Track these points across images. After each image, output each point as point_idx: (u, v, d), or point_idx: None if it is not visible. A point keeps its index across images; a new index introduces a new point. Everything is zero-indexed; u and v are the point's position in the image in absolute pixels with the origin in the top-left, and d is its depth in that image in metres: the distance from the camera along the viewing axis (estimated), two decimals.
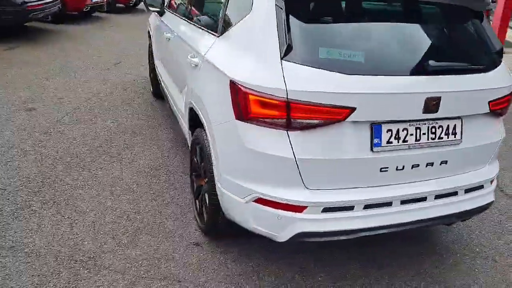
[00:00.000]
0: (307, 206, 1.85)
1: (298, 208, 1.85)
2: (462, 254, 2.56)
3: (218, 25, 2.38)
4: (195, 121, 2.62)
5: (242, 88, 1.83)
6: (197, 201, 2.67)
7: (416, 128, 1.90)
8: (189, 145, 2.80)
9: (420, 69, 1.85)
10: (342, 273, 2.34)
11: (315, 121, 1.75)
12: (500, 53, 2.11)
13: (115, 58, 6.67)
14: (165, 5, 3.90)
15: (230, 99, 1.92)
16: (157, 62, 4.24)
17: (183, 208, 2.84)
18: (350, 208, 1.89)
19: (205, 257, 2.40)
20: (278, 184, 1.87)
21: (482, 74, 1.99)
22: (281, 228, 1.90)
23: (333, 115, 1.74)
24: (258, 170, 1.89)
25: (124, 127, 4.06)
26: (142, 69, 6.05)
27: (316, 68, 1.74)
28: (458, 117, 1.96)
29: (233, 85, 1.90)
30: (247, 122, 1.86)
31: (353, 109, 1.74)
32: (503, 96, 2.05)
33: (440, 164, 2.01)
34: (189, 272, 2.27)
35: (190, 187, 2.84)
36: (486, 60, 2.05)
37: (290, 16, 1.81)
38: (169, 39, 3.30)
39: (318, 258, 2.44)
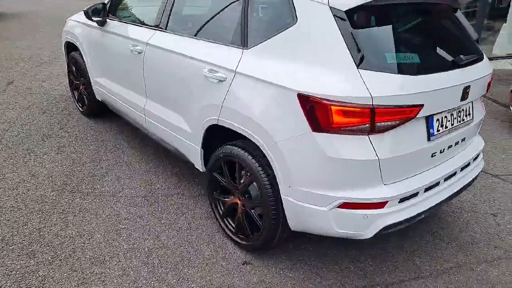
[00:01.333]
0: (387, 201, 1.99)
1: (381, 205, 1.98)
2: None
3: (241, 37, 2.30)
4: (215, 138, 2.52)
5: (320, 100, 1.85)
6: (228, 219, 2.59)
7: (451, 115, 2.21)
8: (200, 163, 2.68)
9: (456, 63, 2.14)
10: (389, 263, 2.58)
11: (394, 122, 1.89)
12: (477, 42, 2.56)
13: (3, 76, 5.62)
14: (106, 14, 3.50)
15: (300, 112, 1.92)
16: (101, 80, 3.77)
17: (206, 230, 2.69)
18: (416, 194, 2.11)
19: (262, 273, 2.36)
20: (361, 186, 1.97)
21: (482, 61, 2.39)
22: (366, 226, 2.01)
23: (409, 114, 1.90)
24: (341, 176, 1.95)
25: (78, 157, 3.54)
26: (47, 86, 5.27)
27: (389, 73, 1.86)
28: (471, 100, 2.33)
29: (305, 97, 1.90)
30: (327, 133, 1.89)
31: (422, 106, 1.93)
32: (491, 79, 2.50)
33: (462, 141, 2.38)
34: None
35: (213, 208, 2.70)
36: (478, 49, 2.47)
37: (353, 25, 1.89)
38: (139, 52, 2.98)
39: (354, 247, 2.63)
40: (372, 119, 1.84)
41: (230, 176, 2.47)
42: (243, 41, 2.28)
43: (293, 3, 2.06)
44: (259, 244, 2.39)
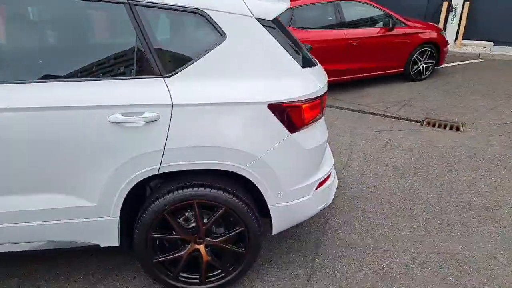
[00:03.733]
0: (330, 172, 2.43)
1: (328, 176, 2.39)
2: None
3: (153, 67, 1.90)
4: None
5: (293, 103, 1.98)
6: (183, 275, 2.24)
7: None
8: (116, 236, 2.10)
9: None
10: None
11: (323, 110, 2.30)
12: None
13: None
14: None
15: (275, 120, 1.98)
16: None
17: None
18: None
19: None
20: (320, 165, 2.30)
21: None
22: (328, 195, 2.38)
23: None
24: (313, 163, 2.20)
25: None
26: None
27: (312, 67, 2.21)
28: None
29: (276, 106, 1.96)
30: (300, 130, 2.07)
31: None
32: None
33: None
34: None
35: (158, 275, 2.17)
36: None
37: (278, 32, 2.07)
38: None
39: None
40: (321, 108, 2.19)
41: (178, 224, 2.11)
42: (158, 70, 1.91)
43: (213, 21, 1.95)
44: (238, 272, 2.26)
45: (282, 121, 2.00)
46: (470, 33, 9.21)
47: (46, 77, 1.86)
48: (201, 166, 1.98)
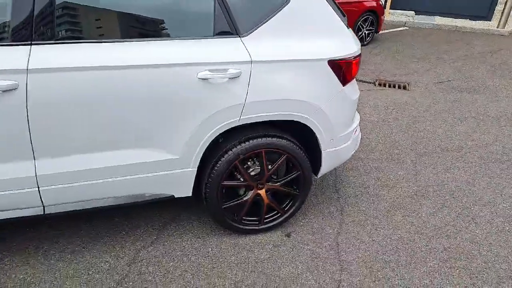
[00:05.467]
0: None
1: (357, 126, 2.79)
2: None
3: (229, 26, 2.05)
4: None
5: (346, 59, 2.29)
6: (246, 218, 2.50)
7: None
8: (190, 187, 2.28)
9: None
10: None
11: None
12: None
13: None
14: None
15: (332, 75, 2.27)
16: None
17: (233, 242, 2.42)
18: None
19: (309, 232, 2.62)
20: (354, 115, 2.67)
21: None
22: (358, 142, 2.76)
23: None
24: (353, 113, 2.55)
25: None
26: None
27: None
28: None
29: (333, 62, 2.25)
30: (348, 83, 2.40)
31: None
32: None
33: None
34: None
35: (225, 220, 2.39)
36: None
37: None
38: (5, 90, 1.65)
39: None
40: (359, 63, 2.53)
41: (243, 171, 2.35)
42: (234, 30, 2.08)
43: None
44: (292, 211, 2.58)
45: (337, 75, 2.30)
46: (395, 3, 10.14)
47: (141, 36, 1.93)
48: (273, 117, 2.22)
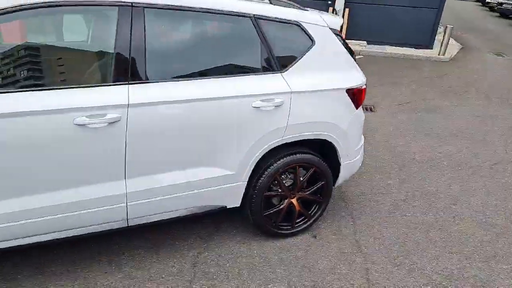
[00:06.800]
0: None
1: None
2: None
3: (272, 64, 2.55)
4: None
5: (359, 88, 2.87)
6: (281, 224, 2.94)
7: None
8: (239, 198, 2.71)
9: None
10: None
11: None
12: None
13: None
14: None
15: (349, 101, 2.84)
16: None
17: (274, 244, 2.84)
18: None
19: (331, 232, 3.10)
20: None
21: None
22: (362, 156, 3.32)
23: None
24: (362, 130, 3.11)
25: None
26: None
27: None
28: None
29: (350, 90, 2.82)
30: (359, 106, 2.96)
31: None
32: None
33: None
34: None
35: (265, 225, 2.82)
36: None
37: (340, 39, 2.91)
38: (113, 122, 2.00)
39: None
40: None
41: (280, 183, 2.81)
42: (276, 67, 2.58)
43: (306, 30, 2.69)
44: (317, 216, 3.05)
45: (352, 100, 2.87)
46: (350, 33, 11.21)
47: (205, 75, 2.38)
48: (307, 136, 2.72)
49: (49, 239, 2.19)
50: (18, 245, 2.14)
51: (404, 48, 11.36)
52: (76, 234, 2.26)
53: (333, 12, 10.99)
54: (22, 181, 2.03)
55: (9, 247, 2.12)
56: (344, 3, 11.12)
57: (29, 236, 2.15)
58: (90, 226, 2.27)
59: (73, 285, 2.38)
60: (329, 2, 11.10)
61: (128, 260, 2.62)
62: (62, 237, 2.22)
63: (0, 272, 2.44)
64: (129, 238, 2.83)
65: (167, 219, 2.48)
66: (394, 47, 11.40)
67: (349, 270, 2.69)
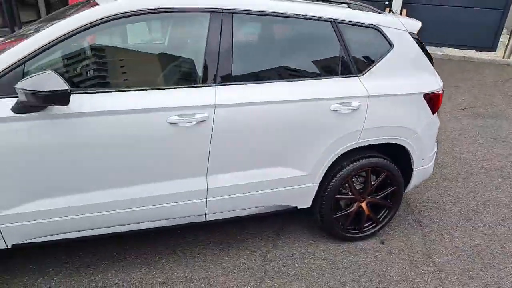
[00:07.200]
0: None
1: None
2: None
3: (350, 68, 2.54)
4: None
5: (436, 93, 2.79)
6: (350, 227, 2.92)
7: None
8: (310, 199, 2.72)
9: None
10: None
11: None
12: None
13: None
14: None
15: (425, 106, 2.76)
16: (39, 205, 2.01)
17: (341, 251, 2.83)
18: None
19: (399, 238, 3.04)
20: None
21: None
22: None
23: None
24: (436, 134, 3.02)
25: None
26: None
27: None
28: None
29: (427, 95, 2.75)
30: (436, 112, 2.88)
31: None
32: None
33: None
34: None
35: (334, 229, 2.82)
36: None
37: (418, 42, 2.85)
38: (200, 121, 2.11)
39: None
40: None
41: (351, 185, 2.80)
42: (354, 70, 2.57)
43: (385, 34, 2.65)
44: (386, 221, 3.01)
45: (429, 105, 2.79)
46: None
47: (286, 77, 2.42)
48: (382, 141, 2.68)
49: (142, 228, 2.33)
50: (121, 231, 2.31)
51: (464, 50, 10.86)
52: (161, 226, 2.38)
53: (389, 12, 10.71)
54: (122, 174, 2.16)
55: (115, 232, 2.29)
56: (402, 4, 10.82)
57: (129, 224, 2.30)
58: (175, 218, 2.38)
59: (154, 273, 2.50)
60: (386, 2, 10.84)
61: (200, 254, 2.71)
62: (151, 227, 2.35)
63: (83, 259, 2.62)
64: (200, 232, 2.93)
65: (241, 216, 2.55)
66: (453, 48, 10.94)
67: (421, 279, 2.63)
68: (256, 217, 2.65)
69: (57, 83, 1.76)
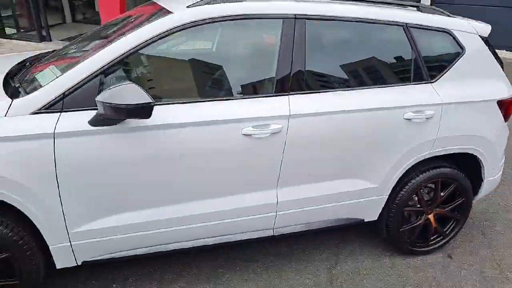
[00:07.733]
0: None
1: None
2: None
3: (423, 74, 2.41)
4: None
5: (509, 100, 2.63)
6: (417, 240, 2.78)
7: None
8: (378, 212, 2.59)
9: None
10: None
11: None
12: None
13: None
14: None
15: (498, 113, 2.60)
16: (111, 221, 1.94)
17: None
18: None
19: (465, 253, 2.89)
20: None
21: None
22: None
23: None
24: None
25: None
26: None
27: None
28: None
29: (501, 102, 2.59)
30: (507, 119, 2.72)
31: None
32: None
33: None
34: None
35: (402, 242, 2.68)
36: None
37: (489, 46, 2.69)
38: (275, 132, 2.02)
39: None
40: None
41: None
42: (426, 77, 2.44)
43: (456, 38, 2.51)
44: (453, 234, 2.85)
45: (502, 113, 2.64)
46: None
47: (359, 85, 2.31)
48: (455, 150, 2.54)
49: (208, 244, 2.23)
50: (187, 247, 2.23)
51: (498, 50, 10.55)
52: (228, 241, 2.28)
53: None
54: (195, 188, 2.08)
55: (183, 248, 2.21)
56: (430, 3, 10.56)
57: (196, 239, 2.21)
58: (243, 233, 2.29)
59: None
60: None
61: (263, 269, 2.60)
62: (216, 242, 2.25)
63: (146, 274, 2.54)
64: (256, 244, 2.82)
65: (307, 230, 2.44)
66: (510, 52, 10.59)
67: None
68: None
69: (141, 96, 1.67)
